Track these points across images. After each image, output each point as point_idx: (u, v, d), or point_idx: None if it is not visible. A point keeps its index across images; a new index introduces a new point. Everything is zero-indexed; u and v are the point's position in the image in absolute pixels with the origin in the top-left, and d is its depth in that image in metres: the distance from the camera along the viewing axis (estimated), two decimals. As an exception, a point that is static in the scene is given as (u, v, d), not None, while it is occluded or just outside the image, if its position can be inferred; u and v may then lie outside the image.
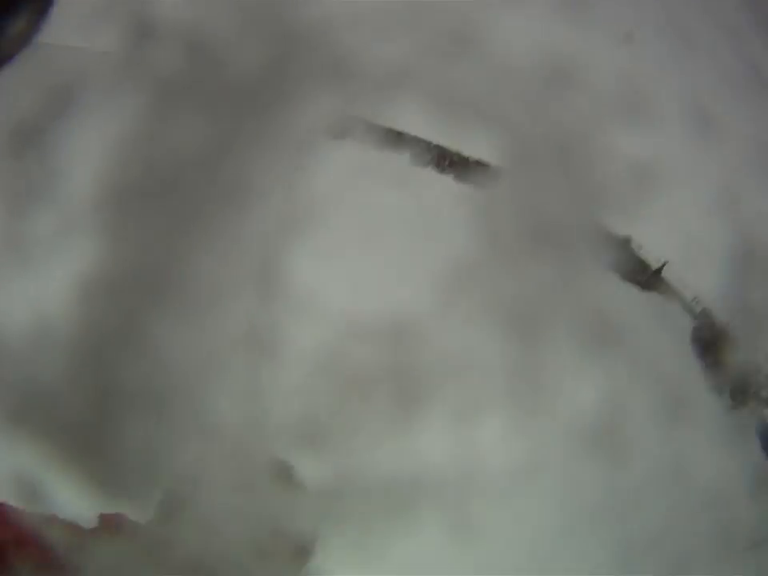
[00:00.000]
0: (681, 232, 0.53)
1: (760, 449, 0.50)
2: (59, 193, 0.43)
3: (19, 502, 0.58)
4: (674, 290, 0.53)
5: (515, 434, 0.53)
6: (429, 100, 0.48)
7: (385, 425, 0.47)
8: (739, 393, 0.50)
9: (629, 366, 0.49)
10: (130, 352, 0.40)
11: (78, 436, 0.40)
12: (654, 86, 0.51)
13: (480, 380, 0.51)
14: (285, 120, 0.43)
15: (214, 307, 0.42)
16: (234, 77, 0.42)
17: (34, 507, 0.57)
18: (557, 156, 0.47)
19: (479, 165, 0.51)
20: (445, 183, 0.79)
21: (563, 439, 0.52)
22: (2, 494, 0.51)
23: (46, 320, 0.40)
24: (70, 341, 0.40)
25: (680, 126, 0.53)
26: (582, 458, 0.52)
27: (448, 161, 0.54)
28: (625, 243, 0.51)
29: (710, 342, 0.51)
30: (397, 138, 0.51)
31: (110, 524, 0.42)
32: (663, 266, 0.52)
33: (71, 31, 0.44)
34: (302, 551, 0.44)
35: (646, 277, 0.52)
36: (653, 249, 0.53)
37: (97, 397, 0.39)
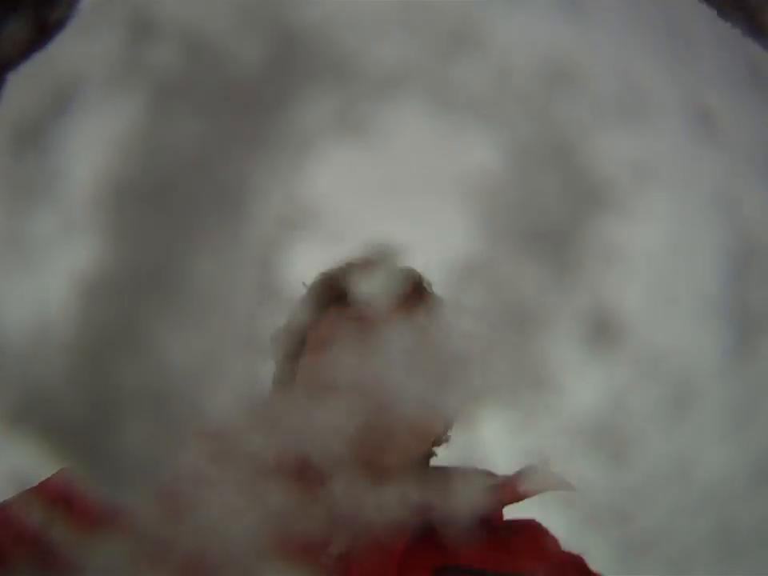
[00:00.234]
0: (681, 232, 0.53)
1: None
2: (59, 192, 0.43)
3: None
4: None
5: (517, 431, 0.53)
6: (429, 100, 0.48)
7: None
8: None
9: (631, 363, 0.49)
10: (129, 352, 0.39)
11: (78, 436, 0.40)
12: (653, 86, 0.51)
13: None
14: (285, 120, 0.43)
15: (214, 307, 0.42)
16: (234, 77, 0.42)
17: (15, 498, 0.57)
18: (556, 156, 0.47)
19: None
20: (445, 183, 0.79)
21: (565, 437, 0.52)
22: (2, 494, 0.51)
23: (45, 320, 0.40)
24: (69, 341, 0.39)
25: (680, 126, 0.52)
26: (584, 456, 0.52)
27: None
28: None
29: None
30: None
31: None
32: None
33: (71, 31, 0.44)
34: None
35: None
36: (652, 249, 0.53)
37: (96, 396, 0.39)
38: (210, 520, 0.45)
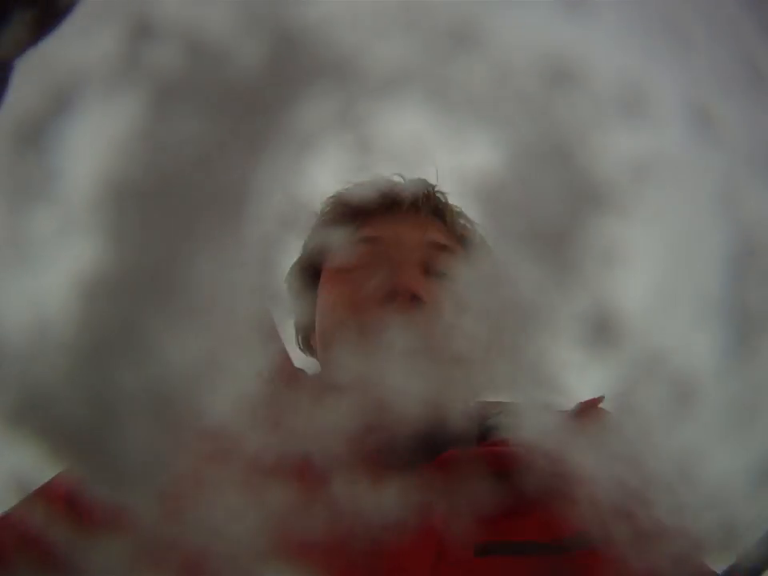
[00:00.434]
0: (680, 232, 0.53)
1: None
2: (59, 192, 0.43)
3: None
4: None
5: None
6: (429, 100, 0.48)
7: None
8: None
9: (631, 363, 0.49)
10: (130, 352, 0.39)
11: (77, 436, 0.40)
12: (653, 86, 0.51)
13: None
14: (285, 120, 0.43)
15: (214, 307, 0.42)
16: (234, 77, 0.42)
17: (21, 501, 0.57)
18: (556, 156, 0.47)
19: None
20: (445, 183, 0.79)
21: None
22: (2, 494, 0.51)
23: (45, 320, 0.40)
24: (69, 341, 0.39)
25: (679, 126, 0.53)
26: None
27: None
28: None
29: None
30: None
31: None
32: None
33: (71, 31, 0.44)
34: None
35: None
36: (652, 249, 0.53)
37: (97, 397, 0.39)
38: (210, 520, 0.45)
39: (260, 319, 0.49)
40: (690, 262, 0.53)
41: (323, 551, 0.48)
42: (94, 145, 0.43)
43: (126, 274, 0.40)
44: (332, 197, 0.73)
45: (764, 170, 0.53)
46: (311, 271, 0.71)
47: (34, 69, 0.43)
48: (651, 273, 0.52)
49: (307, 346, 0.75)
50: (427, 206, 0.71)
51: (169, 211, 0.41)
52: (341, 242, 0.68)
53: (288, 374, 0.66)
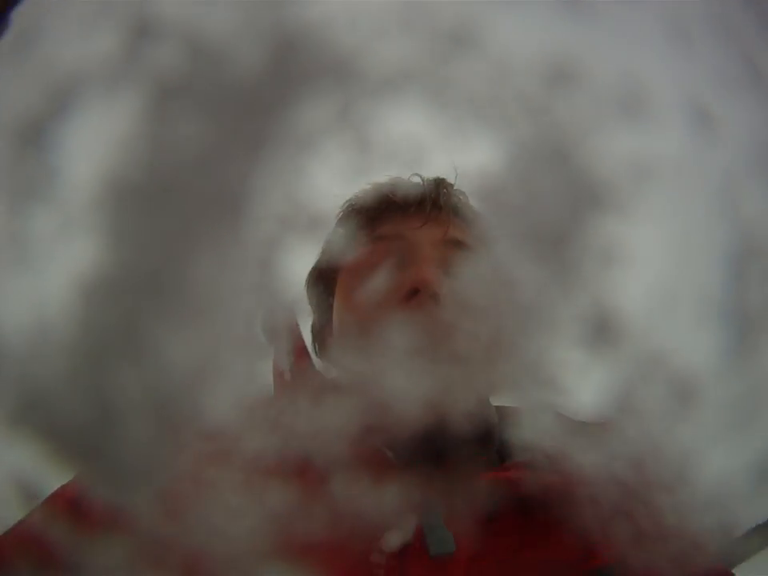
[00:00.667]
0: (680, 232, 0.53)
1: None
2: (59, 192, 0.43)
3: (19, 502, 0.58)
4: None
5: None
6: (429, 100, 0.48)
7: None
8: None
9: (631, 363, 0.49)
10: (129, 352, 0.39)
11: (77, 436, 0.40)
12: (654, 86, 0.51)
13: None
14: (285, 120, 0.43)
15: (214, 307, 0.42)
16: (234, 77, 0.42)
17: (34, 507, 0.57)
18: (556, 156, 0.47)
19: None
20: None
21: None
22: (2, 494, 0.51)
23: (45, 320, 0.40)
24: (69, 341, 0.39)
25: (679, 126, 0.53)
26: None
27: None
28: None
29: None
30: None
31: None
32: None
33: (71, 31, 0.44)
34: None
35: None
36: (652, 249, 0.53)
37: (96, 397, 0.39)
38: (210, 520, 0.45)
39: (283, 318, 0.49)
40: (690, 262, 0.53)
41: (323, 551, 0.49)
42: (93, 145, 0.43)
43: (126, 274, 0.40)
44: (349, 199, 0.73)
45: (764, 170, 0.53)
46: (329, 274, 0.71)
47: (34, 69, 0.43)
48: (651, 273, 0.52)
49: (323, 350, 0.74)
50: (447, 203, 0.71)
51: (169, 211, 0.41)
52: (359, 241, 0.68)
53: (305, 375, 0.66)
